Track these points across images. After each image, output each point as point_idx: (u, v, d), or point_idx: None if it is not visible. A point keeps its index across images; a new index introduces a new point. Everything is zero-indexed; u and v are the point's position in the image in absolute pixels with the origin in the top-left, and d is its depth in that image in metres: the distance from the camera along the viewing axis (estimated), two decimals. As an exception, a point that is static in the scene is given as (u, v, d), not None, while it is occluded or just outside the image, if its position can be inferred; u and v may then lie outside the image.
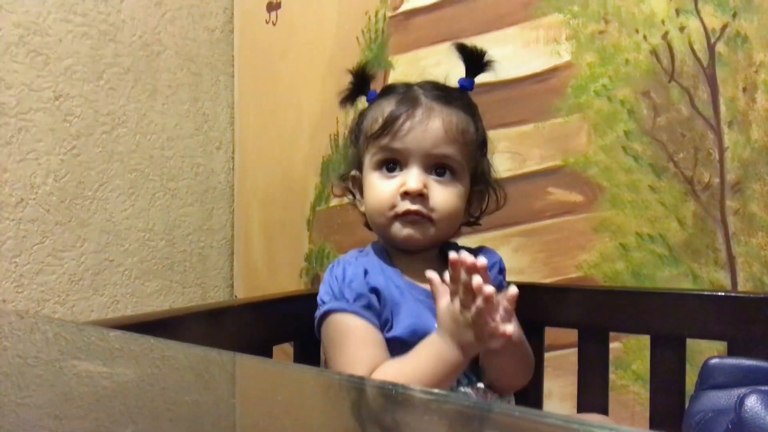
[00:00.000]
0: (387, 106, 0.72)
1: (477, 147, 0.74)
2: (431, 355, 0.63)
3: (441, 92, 0.73)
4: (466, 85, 0.76)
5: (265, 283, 1.27)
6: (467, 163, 0.72)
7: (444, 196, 0.70)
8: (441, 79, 0.77)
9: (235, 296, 1.31)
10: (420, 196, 0.69)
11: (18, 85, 0.97)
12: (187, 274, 1.23)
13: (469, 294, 0.59)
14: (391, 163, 0.71)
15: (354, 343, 0.67)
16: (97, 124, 1.08)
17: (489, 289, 0.58)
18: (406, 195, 0.69)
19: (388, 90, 0.76)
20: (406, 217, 0.70)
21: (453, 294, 0.62)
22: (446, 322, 0.62)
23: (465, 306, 0.60)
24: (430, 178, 0.70)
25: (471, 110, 0.74)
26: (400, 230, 0.70)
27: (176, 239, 1.21)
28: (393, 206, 0.70)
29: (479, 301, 0.59)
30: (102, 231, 1.08)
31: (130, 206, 1.13)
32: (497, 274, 0.78)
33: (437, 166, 0.70)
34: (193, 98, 1.24)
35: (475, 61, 0.75)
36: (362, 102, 0.80)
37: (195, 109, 1.25)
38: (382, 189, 0.71)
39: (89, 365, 0.35)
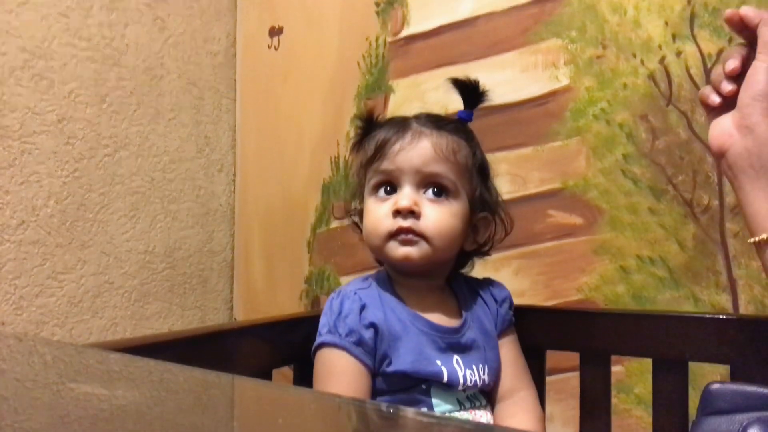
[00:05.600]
0: (380, 133, 0.73)
1: (473, 171, 0.74)
2: None
3: (432, 119, 0.75)
4: (465, 117, 0.77)
5: (265, 306, 1.26)
6: (462, 185, 0.72)
7: (437, 213, 0.69)
8: (440, 105, 0.78)
9: (235, 319, 1.30)
10: (412, 213, 0.69)
11: (21, 108, 0.98)
12: (187, 297, 1.23)
13: None
14: (387, 186, 0.72)
15: (336, 382, 0.68)
16: (100, 147, 1.08)
17: None
18: (398, 213, 0.69)
19: (384, 122, 0.77)
20: (399, 236, 0.69)
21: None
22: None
23: None
24: (424, 197, 0.70)
25: (465, 135, 0.75)
26: (396, 249, 0.69)
27: (176, 261, 1.21)
28: (387, 226, 0.70)
29: None
30: (102, 253, 1.08)
31: (130, 228, 1.13)
32: (508, 309, 0.78)
33: (430, 185, 0.70)
34: (196, 121, 1.25)
35: (471, 93, 0.77)
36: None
37: (197, 132, 1.25)
38: (376, 212, 0.71)
39: (88, 388, 0.35)
